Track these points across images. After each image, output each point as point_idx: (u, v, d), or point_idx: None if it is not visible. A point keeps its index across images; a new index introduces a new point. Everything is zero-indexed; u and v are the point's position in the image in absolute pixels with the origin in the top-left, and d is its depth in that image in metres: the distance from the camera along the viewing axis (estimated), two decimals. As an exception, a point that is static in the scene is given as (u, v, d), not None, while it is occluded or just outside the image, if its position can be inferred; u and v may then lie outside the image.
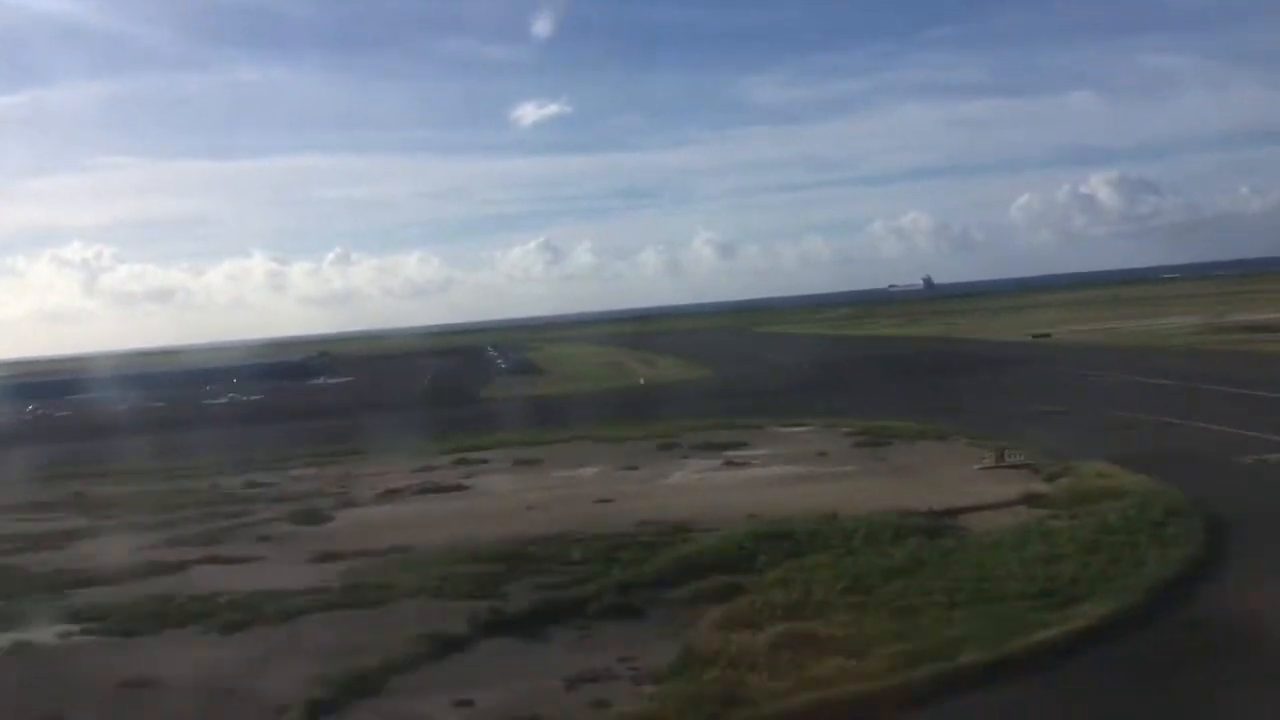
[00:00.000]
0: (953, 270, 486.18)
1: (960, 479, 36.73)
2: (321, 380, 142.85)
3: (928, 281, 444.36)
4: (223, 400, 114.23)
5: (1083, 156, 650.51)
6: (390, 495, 43.82)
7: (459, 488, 44.10)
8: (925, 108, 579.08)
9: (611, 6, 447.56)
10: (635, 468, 45.57)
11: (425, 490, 43.88)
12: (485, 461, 50.94)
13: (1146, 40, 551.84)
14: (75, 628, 26.20)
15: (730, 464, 44.50)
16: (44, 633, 25.95)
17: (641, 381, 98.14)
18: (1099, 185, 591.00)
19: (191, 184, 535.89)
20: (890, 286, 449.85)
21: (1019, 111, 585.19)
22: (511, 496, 41.28)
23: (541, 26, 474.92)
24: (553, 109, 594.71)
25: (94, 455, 68.46)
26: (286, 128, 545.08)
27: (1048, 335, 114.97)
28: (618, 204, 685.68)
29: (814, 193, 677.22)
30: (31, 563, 34.99)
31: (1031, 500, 32.17)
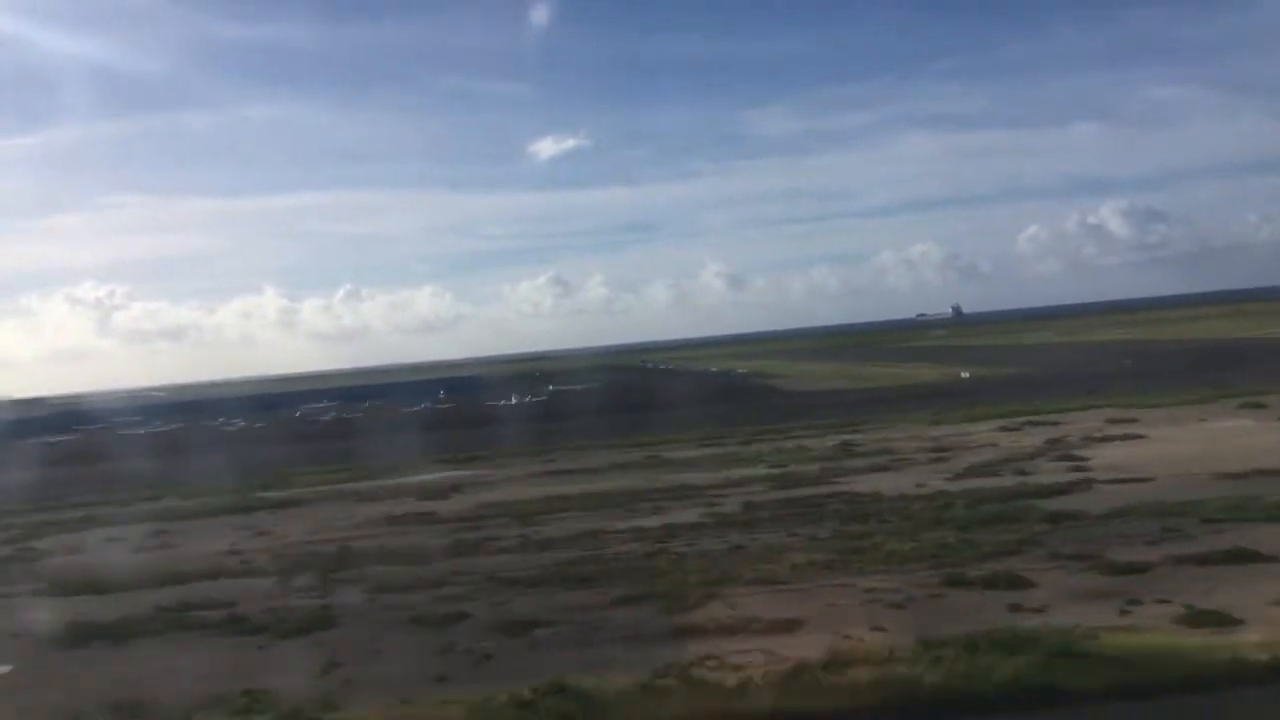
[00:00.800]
0: (963, 300, 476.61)
1: None
2: (553, 387, 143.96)
3: (956, 310, 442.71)
4: (511, 402, 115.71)
5: (1088, 187, 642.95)
6: (1056, 443, 43.74)
7: (1136, 436, 44.04)
8: (930, 139, 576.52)
9: (616, 42, 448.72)
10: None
11: (1098, 440, 43.91)
12: (1064, 424, 50.71)
13: (1149, 72, 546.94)
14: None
15: None
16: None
17: (965, 375, 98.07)
18: (1106, 215, 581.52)
19: (200, 222, 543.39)
20: (919, 315, 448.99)
21: (1023, 142, 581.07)
22: (1227, 440, 40.99)
23: (547, 63, 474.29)
24: (558, 144, 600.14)
25: (539, 437, 69.76)
26: (295, 164, 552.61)
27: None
28: (624, 238, 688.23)
29: (820, 224, 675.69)
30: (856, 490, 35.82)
31: None
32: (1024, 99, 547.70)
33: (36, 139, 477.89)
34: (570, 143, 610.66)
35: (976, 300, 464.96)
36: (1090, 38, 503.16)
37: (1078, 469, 36.33)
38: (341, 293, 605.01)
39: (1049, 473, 36.16)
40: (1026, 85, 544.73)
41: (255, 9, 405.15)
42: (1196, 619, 17.92)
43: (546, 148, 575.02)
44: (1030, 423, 51.91)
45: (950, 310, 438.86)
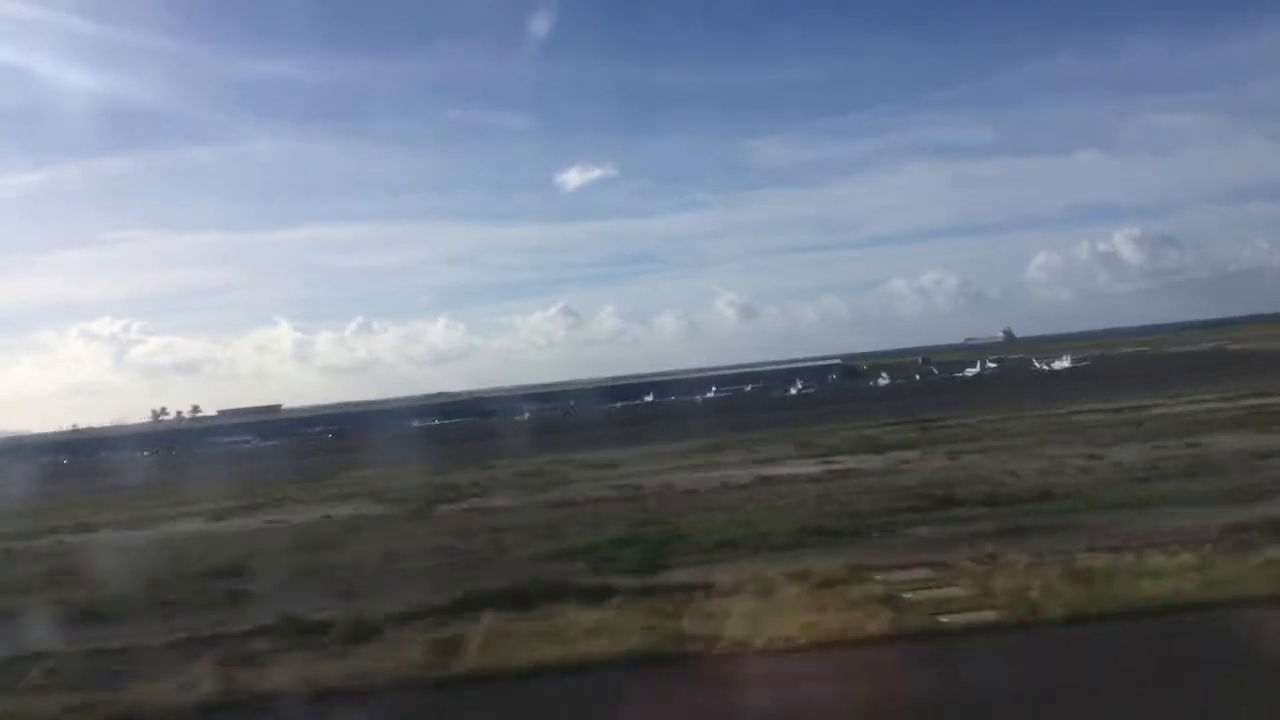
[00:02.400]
0: (976, 327, 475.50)
1: None
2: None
3: (1008, 333, 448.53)
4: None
5: (1093, 215, 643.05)
6: None
7: None
8: (933, 168, 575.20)
9: (619, 76, 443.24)
10: None
11: None
12: None
13: (1151, 99, 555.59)
14: None
15: None
16: None
17: None
18: (1118, 242, 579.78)
19: (207, 256, 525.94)
20: (967, 340, 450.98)
21: (1027, 170, 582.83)
22: None
23: (551, 96, 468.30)
24: (562, 176, 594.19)
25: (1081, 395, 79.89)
26: (299, 198, 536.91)
27: None
28: (631, 269, 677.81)
29: (826, 254, 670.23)
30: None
31: None
32: (1027, 127, 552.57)
33: (41, 175, 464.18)
34: (574, 175, 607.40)
35: (991, 327, 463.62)
36: (1090, 67, 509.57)
37: None
38: (353, 325, 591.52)
39: None
40: (1029, 114, 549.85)
41: (261, 44, 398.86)
42: None
43: (550, 180, 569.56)
44: None
45: (1001, 334, 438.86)
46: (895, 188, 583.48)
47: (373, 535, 37.44)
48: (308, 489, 59.10)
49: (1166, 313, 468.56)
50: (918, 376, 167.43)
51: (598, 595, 22.23)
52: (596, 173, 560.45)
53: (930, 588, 21.21)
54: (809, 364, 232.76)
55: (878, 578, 22.19)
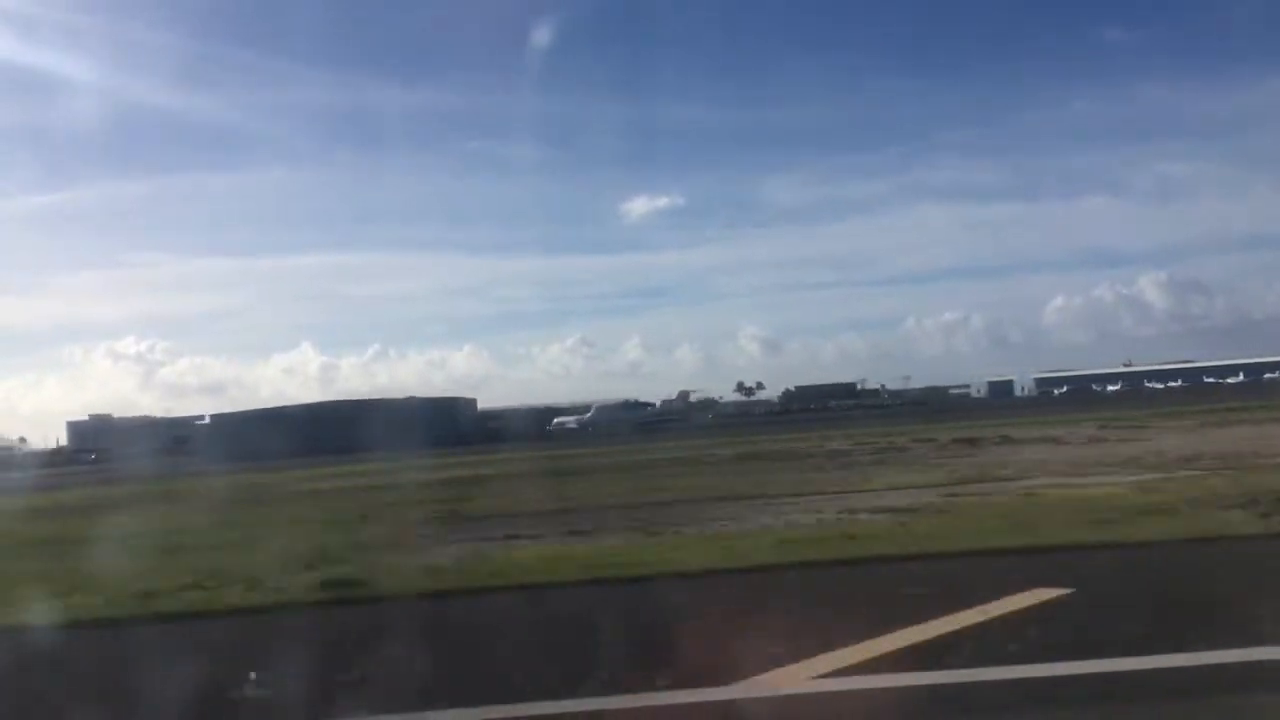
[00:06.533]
0: (987, 367, 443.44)
1: None
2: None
3: (1129, 363, 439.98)
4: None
5: (1105, 259, 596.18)
6: None
7: None
8: (943, 210, 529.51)
9: (628, 107, 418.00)
10: None
11: None
12: None
13: (1161, 146, 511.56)
14: None
15: None
16: None
17: None
18: (1132, 287, 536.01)
19: (226, 280, 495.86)
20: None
21: (1037, 214, 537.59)
22: None
23: (563, 129, 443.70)
24: (571, 209, 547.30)
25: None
26: (315, 226, 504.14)
27: None
28: (640, 302, 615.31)
29: (839, 290, 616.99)
30: None
31: None
32: (1038, 171, 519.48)
33: (60, 196, 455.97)
34: (583, 207, 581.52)
35: (1006, 367, 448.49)
36: (1101, 113, 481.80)
37: None
38: (370, 352, 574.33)
39: None
40: (1040, 158, 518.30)
41: (282, 69, 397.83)
42: None
43: (558, 213, 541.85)
44: None
45: (1123, 365, 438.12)
46: (908, 229, 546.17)
47: None
48: None
49: (1189, 355, 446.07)
50: None
51: None
52: (603, 207, 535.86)
53: None
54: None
55: None
